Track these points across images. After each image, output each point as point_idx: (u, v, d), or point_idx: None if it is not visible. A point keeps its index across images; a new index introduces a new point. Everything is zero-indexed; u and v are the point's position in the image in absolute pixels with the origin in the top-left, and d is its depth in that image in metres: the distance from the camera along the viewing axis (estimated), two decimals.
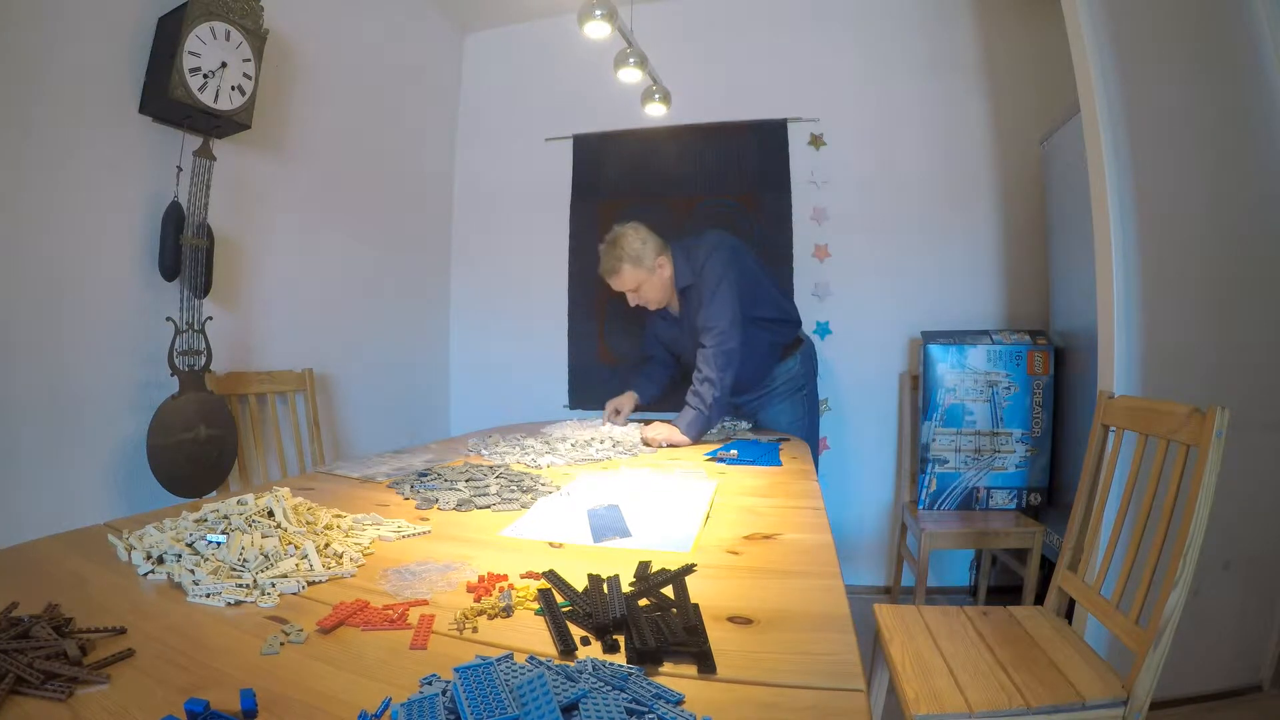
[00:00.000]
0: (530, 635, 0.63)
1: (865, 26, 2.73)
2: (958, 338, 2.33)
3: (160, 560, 0.78)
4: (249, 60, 1.74)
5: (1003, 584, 2.54)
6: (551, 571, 0.78)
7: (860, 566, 2.71)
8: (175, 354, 1.65)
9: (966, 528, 2.16)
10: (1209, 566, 1.61)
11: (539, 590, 0.72)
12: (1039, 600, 1.45)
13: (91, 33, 1.54)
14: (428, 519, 1.05)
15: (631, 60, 2.14)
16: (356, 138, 2.48)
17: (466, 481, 1.27)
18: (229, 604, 0.69)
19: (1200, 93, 1.72)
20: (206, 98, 1.64)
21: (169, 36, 1.60)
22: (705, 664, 0.56)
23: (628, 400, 2.25)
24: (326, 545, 0.85)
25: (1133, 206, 1.70)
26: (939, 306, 2.61)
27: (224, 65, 1.67)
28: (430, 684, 0.51)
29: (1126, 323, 1.70)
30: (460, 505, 1.13)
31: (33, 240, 1.46)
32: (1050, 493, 2.26)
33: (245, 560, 0.76)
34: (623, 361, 2.88)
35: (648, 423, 1.99)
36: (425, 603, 0.71)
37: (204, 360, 1.71)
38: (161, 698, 0.50)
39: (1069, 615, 1.38)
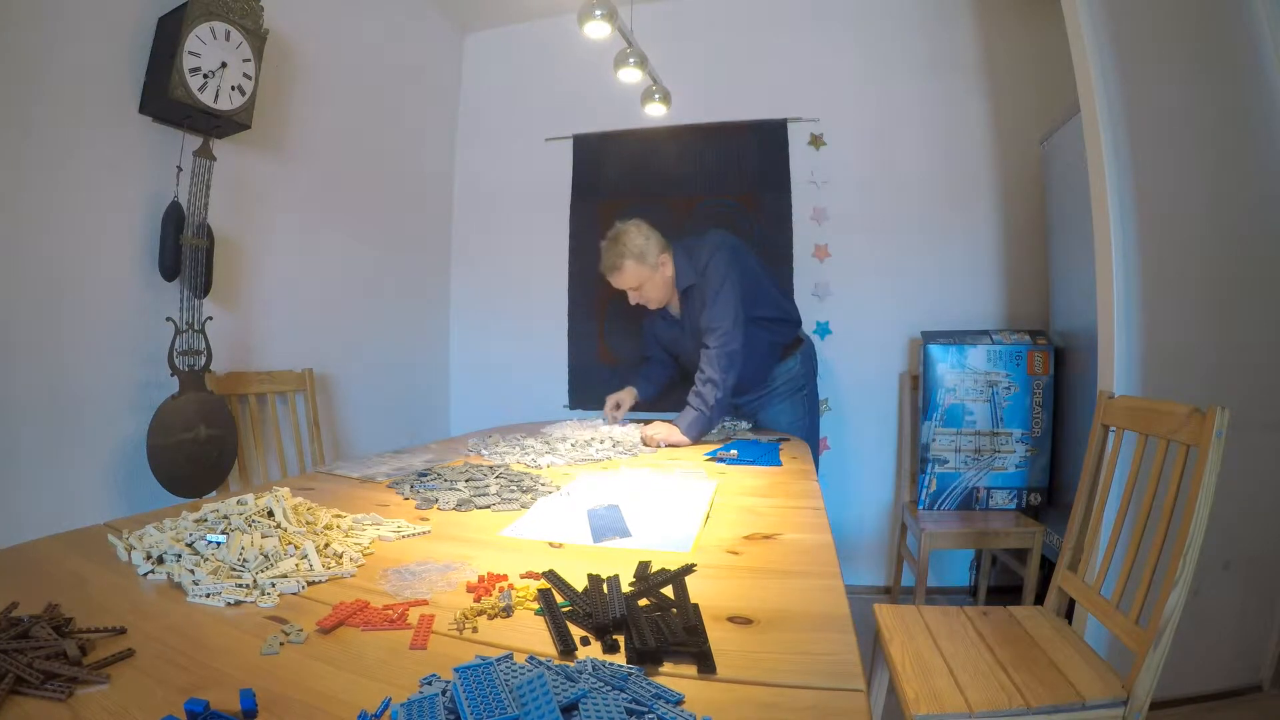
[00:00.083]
0: (530, 635, 0.63)
1: (865, 26, 2.73)
2: (958, 338, 2.33)
3: (160, 560, 0.78)
4: (249, 60, 1.74)
5: (1003, 584, 2.54)
6: (551, 571, 0.78)
7: (860, 566, 2.71)
8: (175, 354, 1.65)
9: (966, 528, 2.16)
10: (1209, 566, 1.60)
11: (539, 590, 0.72)
12: (1039, 600, 1.45)
13: (91, 33, 1.54)
14: (428, 519, 1.05)
15: (631, 60, 2.14)
16: (356, 138, 2.48)
17: (466, 481, 1.27)
18: (229, 604, 0.69)
19: (1200, 93, 1.72)
20: (206, 98, 1.64)
21: (169, 36, 1.60)
22: (705, 664, 0.56)
23: (628, 395, 2.26)
24: (326, 545, 0.85)
25: (1133, 206, 1.70)
26: (939, 306, 2.61)
27: (224, 65, 1.67)
28: (430, 684, 0.51)
29: (1126, 323, 1.70)
30: (460, 505, 1.13)
31: (33, 240, 1.46)
32: (1050, 493, 2.26)
33: (245, 560, 0.76)
34: (623, 361, 2.88)
35: (648, 423, 1.99)
36: (425, 603, 0.71)
37: (204, 360, 1.71)
38: (161, 698, 0.50)
39: (1069, 615, 1.38)
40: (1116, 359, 1.70)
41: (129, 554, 0.81)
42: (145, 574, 0.77)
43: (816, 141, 2.75)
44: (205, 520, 0.86)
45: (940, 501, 2.31)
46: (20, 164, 1.42)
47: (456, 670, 0.48)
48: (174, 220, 1.66)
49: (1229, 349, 1.72)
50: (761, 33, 2.83)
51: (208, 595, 0.70)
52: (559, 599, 0.70)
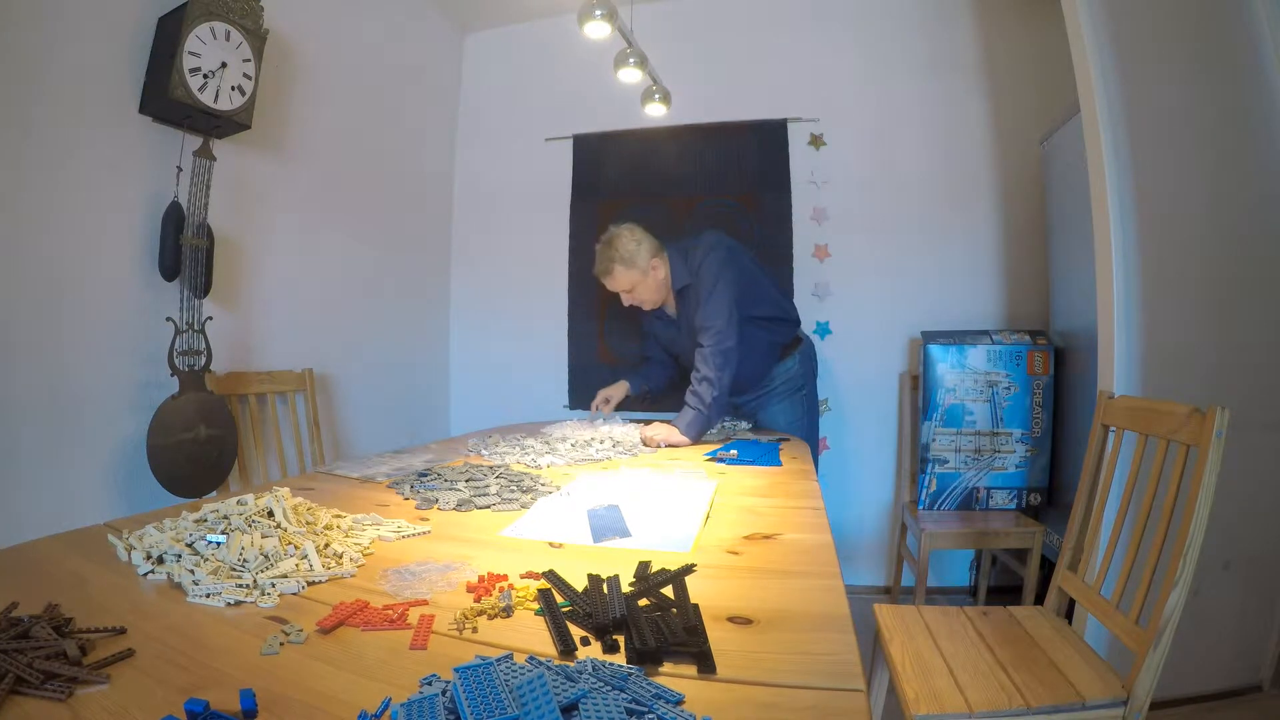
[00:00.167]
0: (530, 635, 0.63)
1: (865, 26, 2.73)
2: (958, 338, 2.33)
3: (160, 560, 0.78)
4: (249, 60, 1.74)
5: (1003, 584, 2.54)
6: (551, 571, 0.78)
7: (860, 566, 2.71)
8: (175, 354, 1.65)
9: (966, 528, 2.16)
10: (1209, 566, 1.60)
11: (539, 590, 0.72)
12: (1039, 600, 1.45)
13: (91, 33, 1.54)
14: (428, 519, 1.05)
15: (631, 60, 2.14)
16: (356, 138, 2.48)
17: (466, 481, 1.27)
18: (229, 604, 0.69)
19: (1200, 93, 1.72)
20: (206, 98, 1.64)
21: (169, 36, 1.60)
22: (705, 664, 0.56)
23: (618, 390, 2.28)
24: (326, 545, 0.85)
25: (1133, 206, 1.70)
26: (939, 306, 2.61)
27: (224, 65, 1.67)
28: (430, 684, 0.51)
29: (1126, 323, 1.70)
30: (460, 505, 1.13)
31: (33, 240, 1.46)
32: (1050, 493, 2.26)
33: (245, 560, 0.76)
34: (623, 361, 2.88)
35: (647, 423, 2.00)
36: (425, 603, 0.71)
37: (204, 360, 1.71)
38: (161, 698, 0.50)
39: (1069, 615, 1.38)
40: (1116, 359, 1.70)
41: (129, 554, 0.81)
42: (145, 574, 0.77)
43: (816, 141, 2.75)
44: (205, 520, 0.86)
45: (940, 501, 2.31)
46: (20, 164, 1.42)
47: (456, 670, 0.48)
48: (174, 220, 1.66)
49: (1229, 349, 1.72)
50: (761, 33, 2.83)
51: (208, 595, 0.70)
52: (559, 599, 0.70)
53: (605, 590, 0.70)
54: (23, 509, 1.43)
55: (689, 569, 0.79)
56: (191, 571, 0.74)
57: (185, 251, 1.68)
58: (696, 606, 0.67)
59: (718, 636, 0.61)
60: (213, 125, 1.72)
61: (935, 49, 2.65)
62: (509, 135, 3.11)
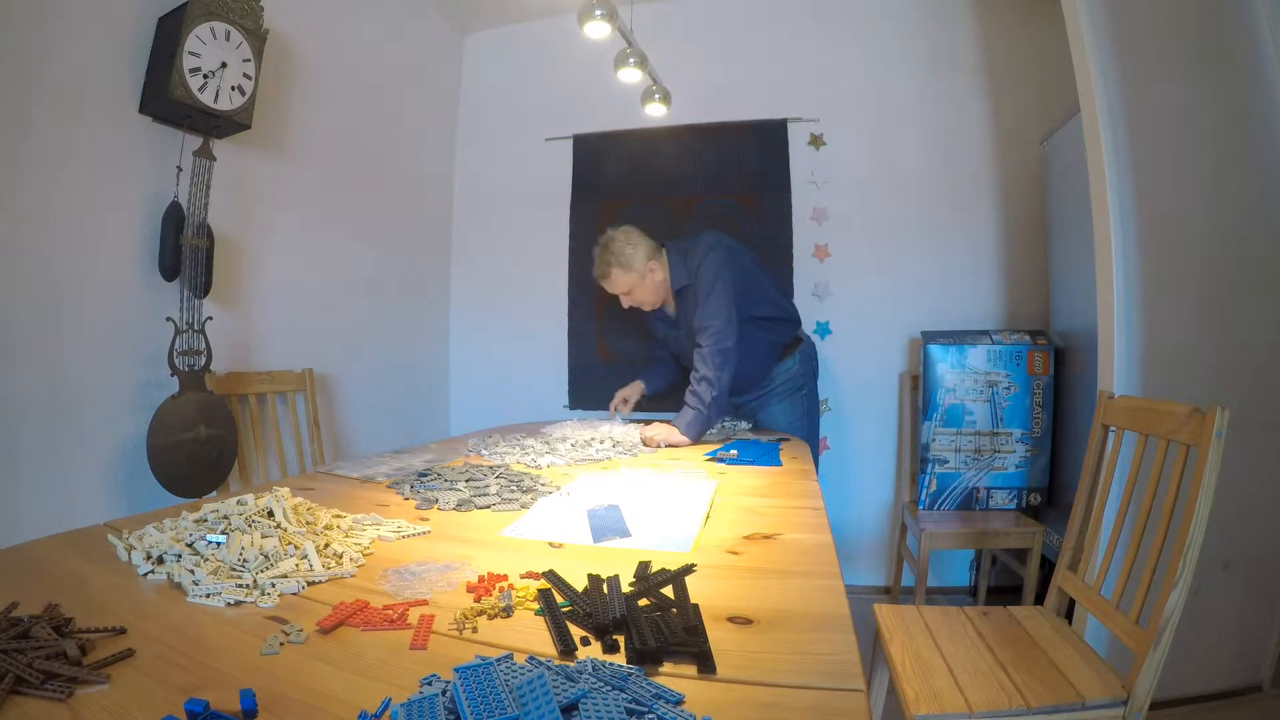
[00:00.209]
0: (530, 635, 0.63)
1: (865, 26, 2.73)
2: (958, 338, 2.33)
3: (160, 560, 0.78)
4: (249, 60, 1.74)
5: (1003, 584, 2.54)
6: (551, 571, 0.78)
7: (860, 566, 2.71)
8: (175, 354, 1.65)
9: (966, 528, 2.16)
10: (1209, 566, 1.60)
11: (539, 590, 0.72)
12: (1039, 600, 1.45)
13: (91, 33, 1.54)
14: (428, 519, 1.05)
15: (631, 60, 2.14)
16: (356, 138, 2.48)
17: (466, 481, 1.27)
18: (229, 604, 0.69)
19: (1200, 93, 1.72)
20: (206, 98, 1.64)
21: (169, 36, 1.60)
22: (705, 664, 0.56)
23: (634, 390, 2.31)
24: (326, 545, 0.85)
25: (1133, 206, 1.70)
26: (939, 306, 2.61)
27: (224, 65, 1.67)
28: (430, 684, 0.51)
29: (1126, 323, 1.70)
30: (460, 505, 1.13)
31: (33, 240, 1.46)
32: (1050, 493, 2.26)
33: (245, 560, 0.76)
34: (622, 361, 2.88)
35: (647, 423, 2.00)
36: (425, 603, 0.71)
37: (204, 360, 1.71)
38: (161, 698, 0.50)
39: (1069, 615, 1.38)
40: (1116, 359, 1.70)
41: (129, 554, 0.81)
42: (145, 574, 0.77)
43: (816, 141, 2.75)
44: (205, 520, 0.86)
45: (940, 501, 2.31)
46: (20, 164, 1.42)
47: (456, 670, 0.48)
48: (174, 220, 1.66)
49: (1229, 349, 1.72)
50: (761, 33, 2.83)
51: (208, 595, 0.70)
52: (559, 599, 0.70)
53: (605, 590, 0.70)
54: (23, 509, 1.43)
55: (689, 569, 0.79)
56: (191, 571, 0.74)
57: (185, 251, 1.68)
58: (696, 606, 0.67)
59: (718, 636, 0.61)
60: (213, 125, 1.72)
61: (935, 49, 2.65)
62: (509, 135, 3.11)
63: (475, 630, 0.64)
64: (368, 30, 2.53)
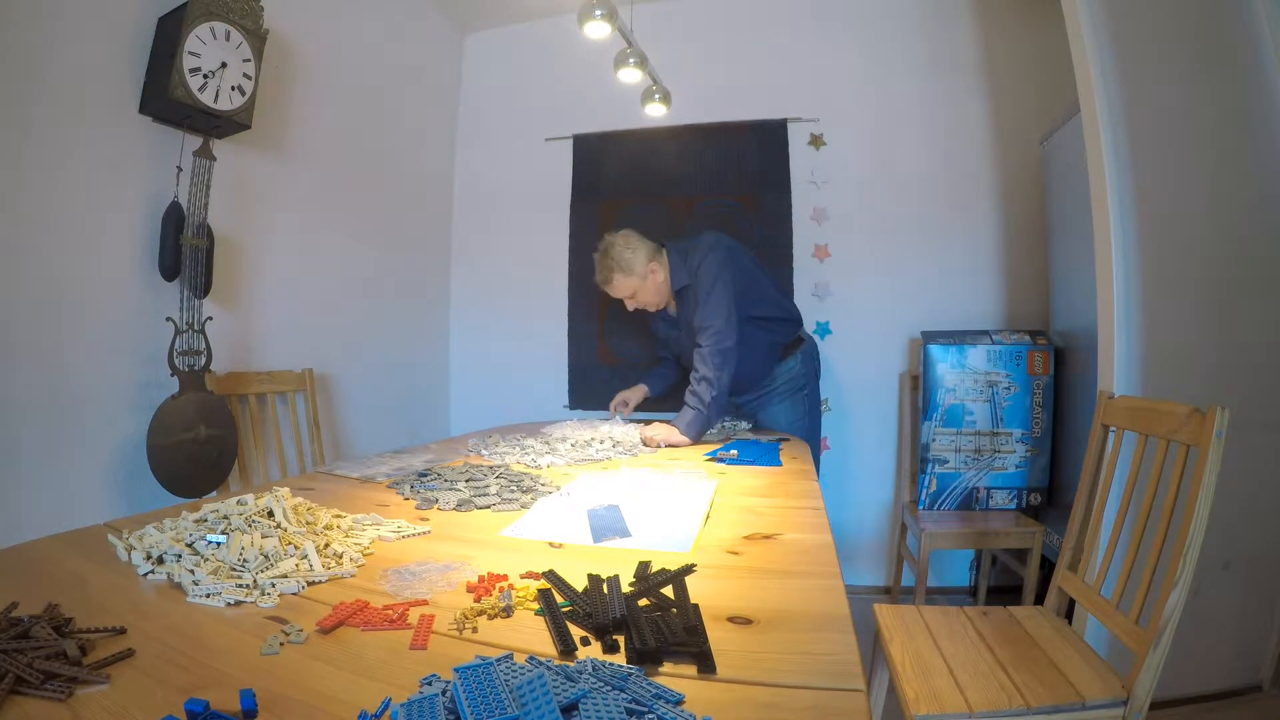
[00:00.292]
0: (530, 635, 0.63)
1: (865, 26, 2.73)
2: (958, 338, 2.33)
3: (160, 560, 0.78)
4: (249, 60, 1.74)
5: (1003, 584, 2.54)
6: (551, 571, 0.78)
7: (860, 566, 2.71)
8: (175, 354, 1.65)
9: (966, 528, 2.16)
10: (1209, 566, 1.60)
11: (539, 590, 0.72)
12: (1039, 600, 1.45)
13: (91, 33, 1.54)
14: (428, 519, 1.05)
15: (631, 60, 2.14)
16: (356, 138, 2.48)
17: (466, 481, 1.27)
18: (229, 604, 0.69)
19: (1200, 93, 1.72)
20: (206, 98, 1.64)
21: (169, 36, 1.60)
22: (705, 664, 0.56)
23: (637, 393, 2.32)
24: (326, 545, 0.85)
25: (1133, 206, 1.70)
26: (939, 306, 2.61)
27: (224, 65, 1.67)
28: (430, 684, 0.51)
29: (1126, 323, 1.70)
30: (460, 505, 1.13)
31: (33, 240, 1.46)
32: (1050, 493, 2.26)
33: (245, 560, 0.76)
34: (623, 361, 2.88)
35: (647, 423, 2.00)
36: (425, 603, 0.71)
37: (204, 360, 1.71)
38: (161, 698, 0.50)
39: (1069, 615, 1.38)
40: (1116, 359, 1.70)
41: (129, 554, 0.81)
42: (145, 574, 0.77)
43: (816, 141, 2.75)
44: (205, 520, 0.86)
45: (940, 501, 2.31)
46: (20, 164, 1.42)
47: (456, 670, 0.48)
48: (174, 220, 1.66)
49: (1229, 349, 1.72)
50: (761, 33, 2.83)
51: (208, 595, 0.70)
52: (559, 599, 0.70)
53: (605, 590, 0.70)
54: (23, 509, 1.43)
55: (689, 569, 0.79)
56: (191, 571, 0.74)
57: (185, 251, 1.68)
58: (696, 606, 0.67)
59: (718, 636, 0.61)
60: (213, 125, 1.72)
61: (935, 49, 2.65)
62: (509, 135, 3.11)
63: (475, 630, 0.64)
64: (368, 30, 2.53)
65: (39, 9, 1.44)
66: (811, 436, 2.22)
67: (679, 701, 0.49)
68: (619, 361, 2.89)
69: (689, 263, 2.04)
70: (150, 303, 1.68)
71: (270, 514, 0.89)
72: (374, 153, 2.60)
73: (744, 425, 2.17)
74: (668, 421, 1.89)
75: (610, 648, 0.60)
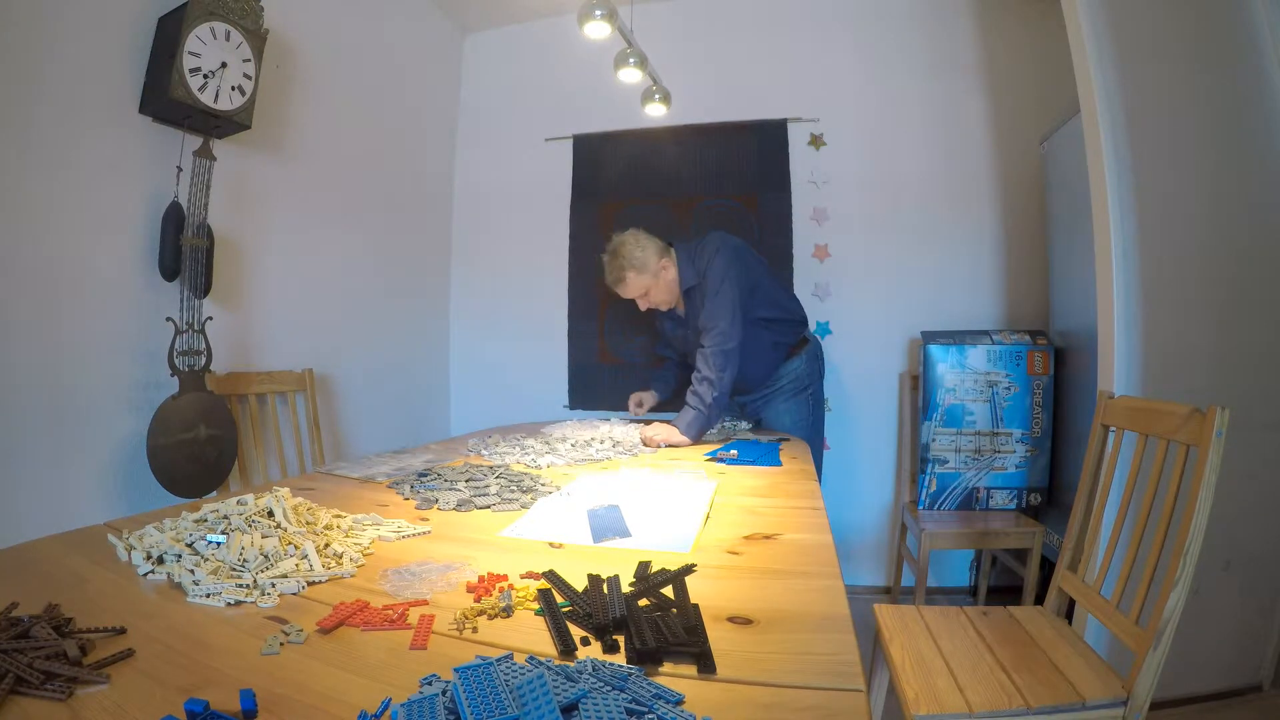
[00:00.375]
0: (530, 635, 0.63)
1: (865, 26, 2.72)
2: (958, 338, 2.33)
3: (160, 560, 0.78)
4: (249, 60, 1.74)
5: (1003, 584, 2.54)
6: (551, 571, 0.78)
7: (860, 566, 2.70)
8: (175, 354, 1.65)
9: (966, 528, 2.16)
10: (1209, 566, 1.60)
11: (539, 590, 0.72)
12: (1039, 600, 1.45)
13: (91, 33, 1.54)
14: (428, 519, 1.05)
15: (631, 60, 2.14)
16: (356, 138, 2.48)
17: (466, 481, 1.27)
18: (229, 604, 0.69)
19: (1200, 93, 1.72)
20: (206, 98, 1.64)
21: (169, 36, 1.60)
22: (705, 664, 0.56)
23: (650, 396, 2.37)
24: (326, 545, 0.85)
25: (1133, 207, 1.70)
26: (939, 306, 2.61)
27: (224, 65, 1.67)
28: (430, 684, 0.51)
29: (1126, 323, 1.70)
30: (460, 505, 1.13)
31: (33, 240, 1.46)
32: (1050, 493, 2.26)
33: (245, 560, 0.76)
34: (622, 361, 2.88)
35: (648, 423, 2.00)
36: (425, 603, 0.71)
37: (204, 360, 1.71)
38: (161, 698, 0.51)
39: (1069, 615, 1.38)
40: (1116, 359, 1.70)
41: (129, 554, 0.81)
42: (145, 574, 0.77)
43: (816, 141, 2.75)
44: (205, 520, 0.86)
45: (940, 501, 2.31)
46: (20, 164, 1.42)
47: (456, 670, 0.48)
48: (174, 220, 1.66)
49: (1229, 349, 1.72)
50: (761, 33, 2.83)
51: (208, 595, 0.70)
52: (559, 599, 0.70)
53: (605, 590, 0.70)
54: (23, 509, 1.43)
55: (689, 569, 0.79)
56: (191, 571, 0.74)
57: (185, 251, 1.68)
58: (696, 606, 0.67)
59: (718, 636, 0.61)
60: (213, 125, 1.71)
61: (935, 49, 2.65)
62: (509, 135, 3.11)
63: (475, 630, 0.64)
64: (368, 30, 2.53)
65: (39, 9, 1.44)
66: (815, 436, 2.22)
67: (679, 702, 0.49)
68: (619, 361, 2.89)
69: (696, 263, 2.03)
70: (150, 303, 1.68)
71: (270, 514, 0.89)
72: (374, 153, 2.60)
73: (744, 425, 2.17)
74: (668, 421, 1.89)
75: (610, 648, 0.60)
